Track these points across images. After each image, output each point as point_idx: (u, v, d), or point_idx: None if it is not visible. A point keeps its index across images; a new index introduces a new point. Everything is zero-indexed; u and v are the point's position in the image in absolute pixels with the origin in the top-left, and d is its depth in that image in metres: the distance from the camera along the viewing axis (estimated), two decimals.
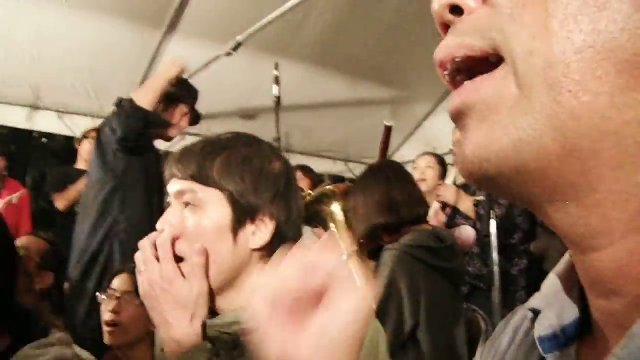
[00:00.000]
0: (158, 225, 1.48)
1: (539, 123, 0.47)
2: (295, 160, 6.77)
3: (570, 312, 0.59)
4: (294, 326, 0.66)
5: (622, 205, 0.47)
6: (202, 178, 1.47)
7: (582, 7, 0.46)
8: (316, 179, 5.94)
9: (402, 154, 7.14)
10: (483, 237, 3.92)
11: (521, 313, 0.74)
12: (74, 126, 5.81)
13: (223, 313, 1.48)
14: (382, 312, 2.71)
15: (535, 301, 0.64)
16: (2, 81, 5.26)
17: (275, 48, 5.27)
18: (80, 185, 5.54)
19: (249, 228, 1.47)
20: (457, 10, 0.55)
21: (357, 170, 7.26)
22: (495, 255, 3.39)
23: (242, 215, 1.46)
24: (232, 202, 1.46)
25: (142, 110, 3.61)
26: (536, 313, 0.63)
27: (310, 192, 4.09)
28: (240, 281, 1.47)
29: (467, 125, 0.54)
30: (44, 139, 7.42)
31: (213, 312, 1.52)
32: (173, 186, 1.50)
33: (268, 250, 1.49)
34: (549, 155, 0.47)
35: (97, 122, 5.75)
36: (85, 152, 5.54)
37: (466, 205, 4.36)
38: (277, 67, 4.46)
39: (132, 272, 2.49)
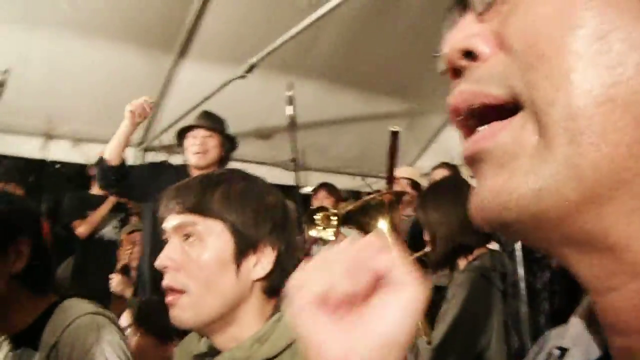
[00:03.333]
0: (157, 263, 1.48)
1: (560, 172, 0.47)
2: (312, 177, 6.77)
3: (595, 350, 0.59)
4: (345, 325, 0.65)
5: (634, 246, 0.47)
6: (202, 210, 1.47)
7: (603, 58, 0.46)
8: (340, 197, 5.93)
9: (419, 166, 7.12)
10: (509, 251, 3.89)
11: (548, 347, 0.73)
12: (88, 152, 5.79)
13: (221, 354, 1.47)
14: (454, 333, 2.69)
15: (562, 339, 0.65)
16: (16, 111, 5.26)
17: (288, 67, 5.27)
18: (101, 211, 5.57)
19: (251, 259, 1.48)
20: (470, 56, 0.55)
21: (375, 185, 7.22)
22: (520, 270, 3.36)
23: (244, 246, 1.47)
24: (234, 233, 1.46)
25: (110, 164, 3.94)
26: (563, 351, 0.63)
27: (335, 211, 4.07)
28: (239, 315, 1.47)
29: (484, 172, 0.54)
30: (57, 165, 7.44)
31: (211, 348, 1.53)
32: (171, 221, 1.50)
33: (270, 281, 1.50)
34: (568, 203, 0.48)
35: None
36: None
37: None
38: (290, 87, 4.43)
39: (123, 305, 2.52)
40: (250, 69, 4.78)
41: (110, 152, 3.93)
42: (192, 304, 1.44)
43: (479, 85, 0.53)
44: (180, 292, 1.44)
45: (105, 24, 4.77)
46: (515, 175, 0.50)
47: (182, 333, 1.79)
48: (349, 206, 4.40)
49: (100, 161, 3.97)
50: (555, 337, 0.73)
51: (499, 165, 0.52)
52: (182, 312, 1.45)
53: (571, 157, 0.46)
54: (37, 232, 1.95)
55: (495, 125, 0.52)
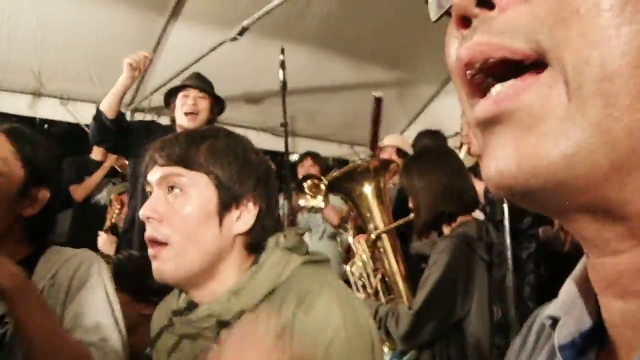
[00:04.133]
0: (140, 213, 1.49)
1: (592, 137, 0.44)
2: (300, 144, 6.76)
3: (588, 318, 0.58)
4: None
5: None
6: (187, 162, 1.49)
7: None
8: (325, 166, 5.94)
9: (407, 136, 7.10)
10: (496, 221, 3.92)
11: (541, 318, 0.72)
12: (76, 112, 5.78)
13: (198, 307, 1.49)
14: (434, 299, 2.72)
15: (552, 309, 0.62)
16: (4, 68, 5.22)
17: (280, 32, 5.24)
18: (97, 176, 5.57)
19: (234, 213, 1.50)
20: (485, 3, 0.50)
21: (363, 153, 7.23)
22: (508, 240, 3.38)
23: (228, 200, 1.49)
24: (218, 186, 1.49)
25: (105, 116, 3.89)
26: (555, 320, 0.61)
27: (321, 177, 4.08)
28: (220, 269, 1.50)
29: (505, 135, 0.49)
30: (46, 125, 7.40)
31: (190, 303, 1.56)
32: (155, 173, 1.51)
33: (250, 237, 1.53)
34: (598, 170, 0.45)
35: None
36: None
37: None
38: (282, 52, 4.41)
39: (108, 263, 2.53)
40: (242, 32, 4.74)
41: (107, 106, 3.88)
42: (173, 256, 1.45)
43: (502, 38, 0.48)
44: (163, 244, 1.46)
45: None
46: (544, 140, 0.46)
47: (159, 292, 1.83)
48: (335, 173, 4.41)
49: (98, 114, 3.91)
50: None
51: (524, 128, 0.48)
52: (163, 264, 1.46)
53: (605, 120, 0.44)
54: (56, 186, 1.96)
55: (519, 83, 0.48)
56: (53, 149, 2.01)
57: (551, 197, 0.48)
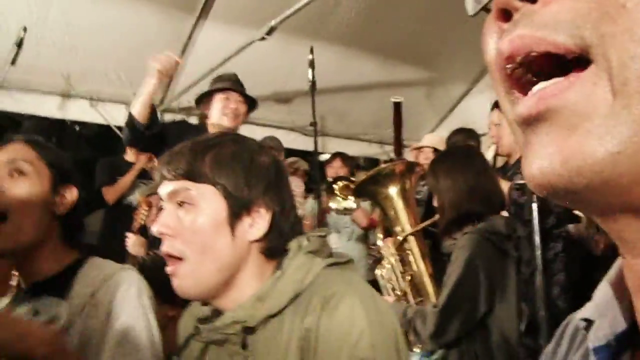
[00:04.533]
0: (153, 229, 1.50)
1: (638, 134, 0.44)
2: (330, 143, 6.76)
3: (623, 320, 0.58)
4: None
5: None
6: (194, 175, 1.48)
7: None
8: (355, 166, 5.93)
9: (428, 135, 7.08)
10: (525, 221, 3.89)
11: (575, 322, 0.71)
12: (106, 113, 5.83)
13: (224, 314, 1.50)
14: (456, 295, 2.73)
15: (587, 311, 0.63)
16: (34, 71, 5.25)
17: (309, 31, 5.25)
18: (128, 178, 5.62)
19: (246, 220, 1.49)
20: None
21: (392, 152, 7.21)
22: (537, 239, 3.35)
23: (238, 208, 1.48)
24: (226, 196, 1.48)
25: (139, 122, 3.89)
26: (589, 322, 0.61)
27: (352, 179, 4.07)
28: (239, 278, 1.50)
29: (549, 133, 0.49)
30: (76, 126, 7.45)
31: (214, 311, 1.57)
32: (165, 188, 1.51)
33: (267, 242, 1.52)
34: None
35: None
36: None
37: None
38: (312, 51, 4.40)
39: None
40: (271, 31, 4.75)
41: (137, 111, 3.90)
42: (191, 271, 1.46)
43: (545, 32, 0.48)
44: (179, 259, 1.46)
45: None
46: (589, 138, 0.46)
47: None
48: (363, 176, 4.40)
49: (130, 119, 3.94)
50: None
51: (569, 127, 0.47)
52: (182, 281, 1.48)
53: None
54: (83, 184, 2.00)
55: (563, 81, 0.48)
56: (68, 155, 2.08)
57: (595, 195, 0.48)
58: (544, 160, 0.48)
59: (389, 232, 3.79)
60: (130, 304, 1.82)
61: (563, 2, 0.47)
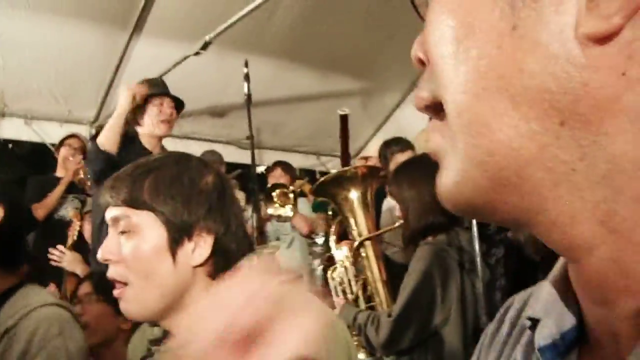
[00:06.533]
0: (98, 255, 1.48)
1: (464, 164, 0.52)
2: (266, 156, 6.76)
3: (568, 319, 0.58)
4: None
5: (577, 220, 0.47)
6: (133, 202, 1.47)
7: (464, 57, 0.50)
8: (295, 175, 5.96)
9: (373, 144, 7.15)
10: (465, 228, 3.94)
11: (515, 307, 0.75)
12: (41, 132, 5.74)
13: (175, 335, 1.48)
14: (411, 305, 2.74)
15: (532, 309, 0.64)
16: None
17: (243, 45, 5.24)
18: (56, 193, 5.51)
19: (187, 245, 1.47)
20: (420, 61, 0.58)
21: (329, 163, 7.27)
22: (477, 245, 3.40)
23: (178, 234, 1.46)
24: (166, 222, 1.46)
25: (103, 153, 3.80)
26: (534, 321, 0.62)
27: (292, 187, 4.08)
28: (186, 301, 1.47)
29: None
30: (10, 145, 7.29)
31: (166, 332, 1.54)
32: (108, 213, 1.50)
33: (212, 265, 1.49)
34: (482, 189, 0.51)
35: (65, 127, 5.72)
36: (62, 159, 5.52)
37: None
38: (246, 64, 4.42)
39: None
40: (206, 46, 4.77)
41: (107, 139, 3.82)
42: (135, 296, 1.45)
43: (419, 90, 0.57)
44: (124, 283, 1.46)
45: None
46: (443, 173, 0.55)
47: None
48: (304, 183, 4.41)
49: (96, 149, 3.85)
50: (519, 300, 0.76)
51: (439, 162, 0.56)
52: (128, 305, 1.47)
53: (469, 149, 0.50)
54: (12, 201, 1.93)
55: (433, 124, 0.57)
56: None
57: (478, 215, 0.56)
58: (439, 187, 0.57)
59: (342, 237, 3.80)
60: (50, 344, 1.79)
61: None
